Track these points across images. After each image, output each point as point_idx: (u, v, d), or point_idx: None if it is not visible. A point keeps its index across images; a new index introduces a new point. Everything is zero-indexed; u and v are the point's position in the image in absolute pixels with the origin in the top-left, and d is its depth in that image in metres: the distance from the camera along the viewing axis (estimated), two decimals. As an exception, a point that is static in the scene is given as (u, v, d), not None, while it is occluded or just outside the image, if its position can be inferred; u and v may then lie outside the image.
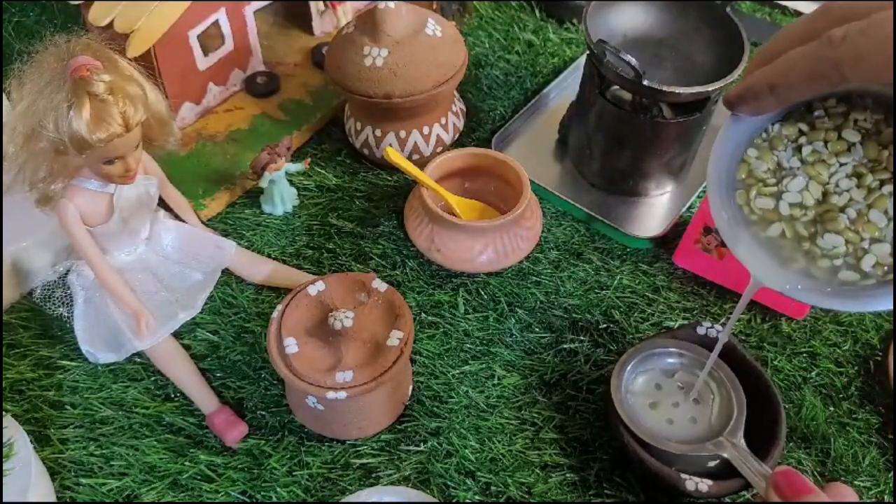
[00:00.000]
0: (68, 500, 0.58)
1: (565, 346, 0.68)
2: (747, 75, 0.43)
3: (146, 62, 0.70)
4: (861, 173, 0.43)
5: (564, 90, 0.89)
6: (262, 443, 0.61)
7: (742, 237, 0.46)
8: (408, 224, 0.71)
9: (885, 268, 0.42)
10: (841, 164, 0.43)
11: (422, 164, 0.71)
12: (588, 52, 0.72)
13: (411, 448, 0.61)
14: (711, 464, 0.57)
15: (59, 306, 0.67)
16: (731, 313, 0.70)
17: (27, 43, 0.58)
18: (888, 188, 0.42)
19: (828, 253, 0.43)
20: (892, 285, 0.42)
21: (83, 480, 0.59)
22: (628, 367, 0.60)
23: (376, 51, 0.72)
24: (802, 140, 0.45)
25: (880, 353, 0.67)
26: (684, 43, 0.75)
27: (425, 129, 0.77)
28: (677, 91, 0.66)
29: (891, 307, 0.42)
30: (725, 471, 0.55)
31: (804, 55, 0.39)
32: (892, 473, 0.61)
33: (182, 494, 0.58)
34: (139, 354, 0.65)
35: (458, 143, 0.82)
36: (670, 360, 0.61)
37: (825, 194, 0.44)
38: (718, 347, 0.56)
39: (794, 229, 0.44)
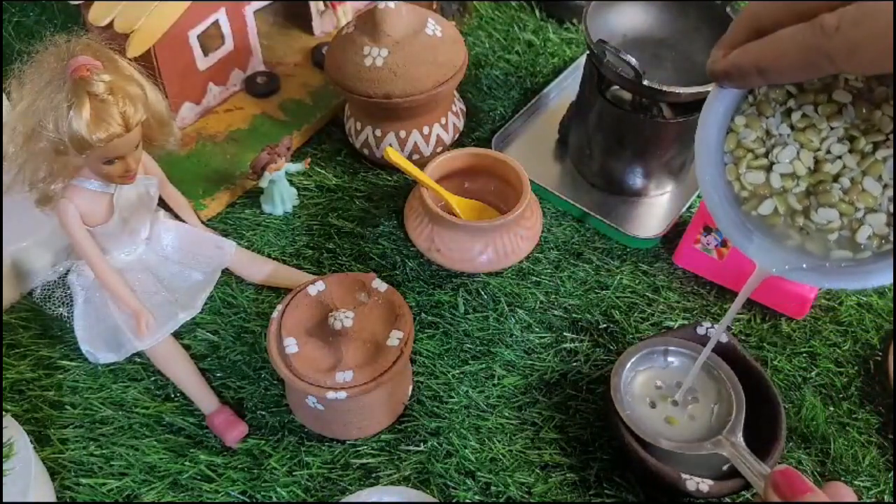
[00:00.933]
0: (68, 500, 0.58)
1: (565, 346, 0.68)
2: (735, 30, 0.41)
3: (146, 62, 0.70)
4: (853, 136, 0.41)
5: (564, 90, 0.89)
6: (262, 443, 0.61)
7: (734, 218, 0.44)
8: (408, 224, 0.71)
9: (881, 239, 0.41)
10: (832, 129, 0.41)
11: (422, 164, 0.71)
12: (588, 52, 0.72)
13: (411, 448, 0.61)
14: (726, 467, 0.56)
15: (59, 306, 0.67)
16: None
17: (27, 43, 0.58)
18: (882, 153, 0.40)
19: (823, 227, 0.42)
20: (888, 258, 0.41)
21: (83, 480, 0.59)
22: (627, 367, 0.60)
23: (376, 51, 0.72)
24: (791, 103, 0.43)
25: (880, 353, 0.67)
26: (684, 43, 0.75)
27: (425, 129, 0.77)
28: (677, 91, 0.66)
29: (888, 281, 0.41)
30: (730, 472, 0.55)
31: (796, 43, 0.37)
32: (892, 473, 0.61)
33: (182, 494, 0.58)
34: (139, 354, 0.65)
35: (458, 143, 0.82)
36: (670, 360, 0.61)
37: (817, 162, 0.42)
38: (714, 341, 0.56)
39: (787, 203, 0.43)
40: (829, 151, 0.42)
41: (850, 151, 0.41)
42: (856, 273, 0.42)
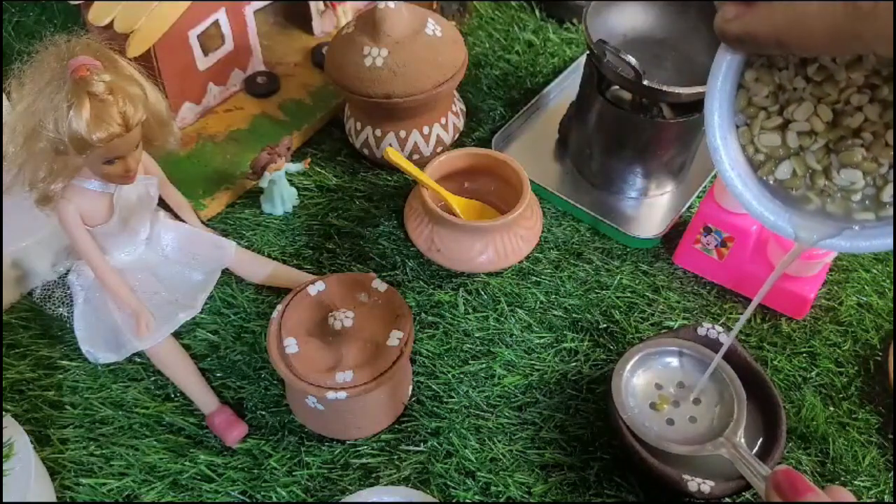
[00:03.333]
0: (68, 500, 0.58)
1: (565, 345, 0.68)
2: None
3: (146, 62, 0.70)
4: (875, 84, 0.38)
5: (564, 90, 0.89)
6: (262, 443, 0.61)
7: (753, 189, 0.41)
8: (408, 224, 0.71)
9: None
10: (851, 77, 0.38)
11: (422, 164, 0.71)
12: (588, 52, 0.72)
13: (411, 448, 0.61)
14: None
15: (59, 306, 0.67)
16: (731, 313, 0.70)
17: (27, 43, 0.58)
18: None
19: (846, 188, 0.39)
20: None
21: (83, 480, 0.59)
22: (629, 367, 0.60)
23: (376, 51, 0.72)
24: None
25: (880, 353, 0.67)
26: (684, 43, 0.75)
27: (425, 129, 0.77)
28: (677, 91, 0.66)
29: None
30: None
31: (825, 21, 0.34)
32: (892, 473, 0.61)
33: (182, 494, 0.58)
34: (139, 354, 0.65)
35: (458, 143, 0.82)
36: (671, 360, 0.61)
37: (836, 115, 0.39)
38: (725, 347, 0.56)
39: (805, 163, 0.40)
40: (847, 102, 0.38)
41: (871, 101, 0.38)
42: (883, 232, 0.39)
